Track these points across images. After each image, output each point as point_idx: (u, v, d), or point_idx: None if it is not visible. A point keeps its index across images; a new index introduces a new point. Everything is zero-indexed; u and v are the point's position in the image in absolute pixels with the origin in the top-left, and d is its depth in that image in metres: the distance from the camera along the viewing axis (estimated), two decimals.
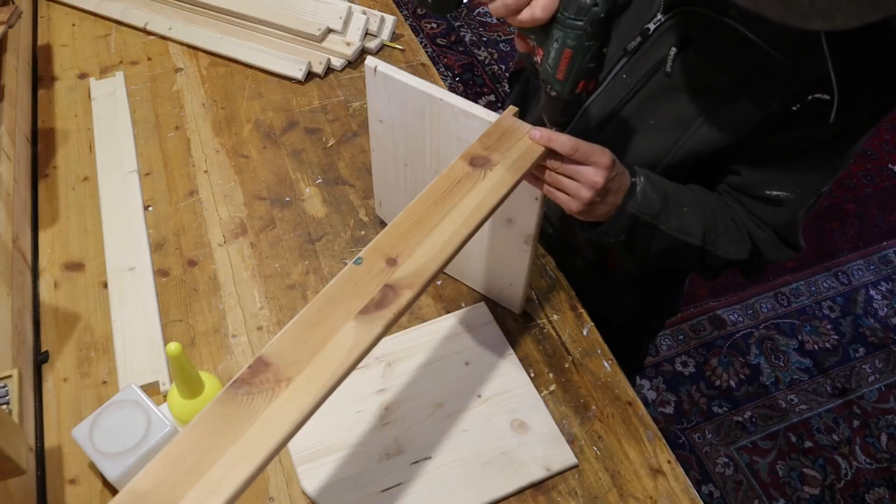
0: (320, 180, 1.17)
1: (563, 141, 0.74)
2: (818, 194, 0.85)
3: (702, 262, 0.89)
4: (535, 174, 0.79)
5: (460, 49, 2.92)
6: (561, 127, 0.78)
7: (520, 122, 0.79)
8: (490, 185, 0.72)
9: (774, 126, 0.79)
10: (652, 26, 0.83)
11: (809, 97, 0.76)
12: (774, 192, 0.84)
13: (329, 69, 1.35)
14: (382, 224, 1.10)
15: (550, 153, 0.75)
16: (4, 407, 0.81)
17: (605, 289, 1.09)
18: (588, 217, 0.81)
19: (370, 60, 0.87)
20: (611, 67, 0.88)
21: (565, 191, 0.77)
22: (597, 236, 0.84)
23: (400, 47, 1.40)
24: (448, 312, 1.00)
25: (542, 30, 0.70)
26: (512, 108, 0.80)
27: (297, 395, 0.56)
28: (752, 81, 0.78)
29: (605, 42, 0.69)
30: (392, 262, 0.65)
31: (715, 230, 0.86)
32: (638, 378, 1.94)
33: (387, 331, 0.61)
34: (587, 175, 0.75)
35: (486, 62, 2.87)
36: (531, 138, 0.76)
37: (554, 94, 0.73)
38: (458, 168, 0.74)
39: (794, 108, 0.77)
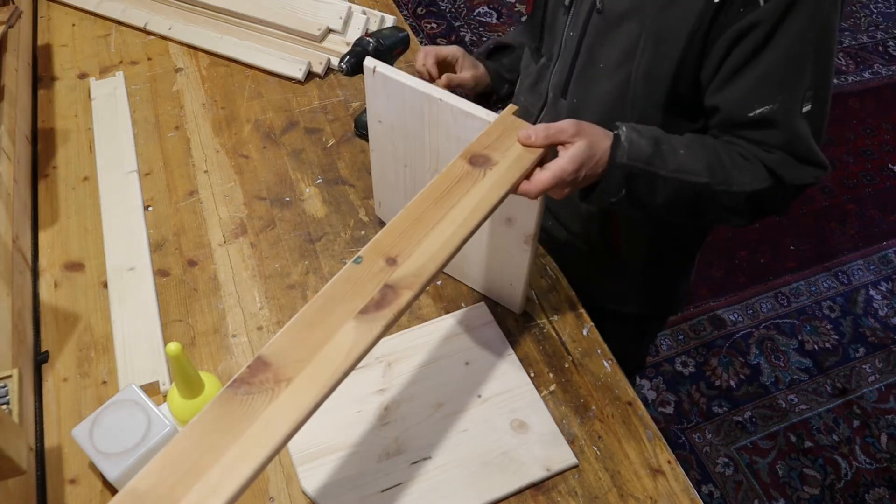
0: (320, 180, 1.17)
1: (538, 135, 0.76)
2: (805, 98, 0.81)
3: (721, 206, 0.85)
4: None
5: None
6: (536, 105, 0.88)
7: (520, 120, 0.78)
8: (490, 184, 0.72)
9: (708, 25, 0.79)
10: None
11: None
12: (757, 111, 0.82)
13: (329, 69, 1.35)
14: (382, 224, 1.10)
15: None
16: (4, 407, 0.81)
17: (612, 277, 1.09)
18: (580, 186, 0.81)
19: (369, 61, 0.87)
20: (562, 30, 0.92)
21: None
22: (596, 200, 0.83)
23: None
24: (448, 312, 1.00)
25: None
26: (511, 107, 0.81)
27: (297, 395, 0.56)
28: None
29: None
30: (392, 261, 0.65)
31: (721, 165, 0.83)
32: (638, 378, 1.94)
33: (386, 331, 0.61)
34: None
35: None
36: (519, 140, 0.77)
37: None
38: (458, 167, 0.73)
39: (717, 1, 0.77)
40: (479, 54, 1.09)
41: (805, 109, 0.81)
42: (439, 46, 1.00)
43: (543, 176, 0.75)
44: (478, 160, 0.74)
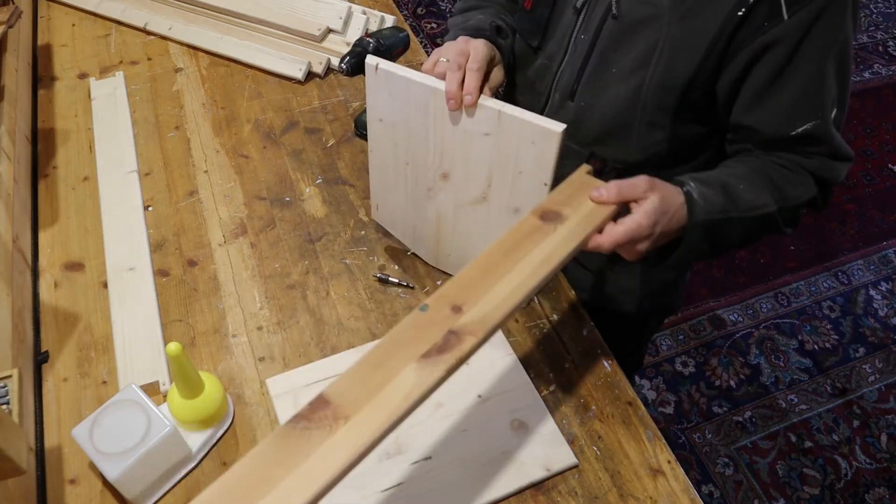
0: (320, 180, 1.17)
1: (610, 192, 0.75)
2: (833, 104, 0.82)
3: (782, 223, 0.86)
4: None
5: None
6: (537, 105, 0.83)
7: (592, 178, 0.79)
8: (561, 238, 0.73)
9: (729, 37, 0.79)
10: None
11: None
12: (801, 129, 0.82)
13: (329, 69, 1.35)
14: (380, 228, 1.09)
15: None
16: (4, 407, 0.81)
17: (609, 277, 1.09)
18: (657, 245, 0.79)
19: (371, 58, 0.86)
20: (570, 32, 0.90)
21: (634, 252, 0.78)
22: (676, 260, 0.82)
23: None
24: None
25: None
26: (585, 167, 0.81)
27: (354, 433, 0.56)
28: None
29: None
30: (457, 309, 0.66)
31: (777, 186, 0.84)
32: (638, 378, 1.94)
33: (448, 375, 0.61)
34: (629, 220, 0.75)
35: None
36: (592, 198, 0.76)
37: None
38: (529, 222, 0.74)
39: (740, 14, 0.77)
40: (486, 34, 0.95)
41: (833, 115, 0.83)
42: (478, 52, 0.85)
43: (617, 230, 0.74)
44: (549, 216, 0.75)
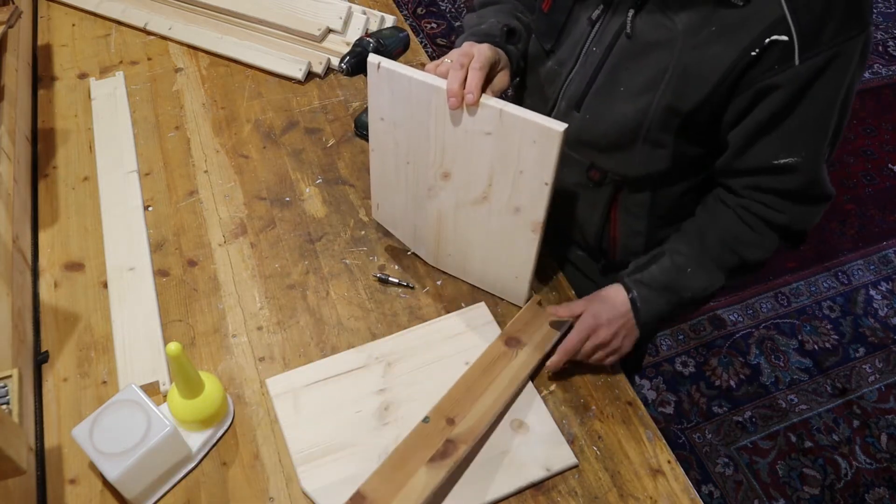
0: (320, 180, 1.17)
1: (560, 313, 0.94)
2: (832, 145, 0.84)
3: (745, 276, 0.95)
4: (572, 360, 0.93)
5: None
6: (542, 112, 0.84)
7: (543, 309, 0.99)
8: (520, 363, 0.92)
9: (740, 73, 0.79)
10: None
11: (767, 40, 0.76)
12: (783, 160, 0.84)
13: (329, 69, 1.35)
14: (381, 228, 1.09)
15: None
16: (4, 407, 0.81)
17: (606, 281, 1.09)
18: (629, 341, 0.93)
19: (373, 57, 0.86)
20: (584, 42, 0.90)
21: (603, 359, 0.93)
22: (649, 335, 0.95)
23: None
24: (448, 312, 1.00)
25: None
26: (536, 297, 1.00)
27: None
28: (708, 30, 0.79)
29: None
30: (451, 421, 0.85)
31: (733, 251, 0.91)
32: (638, 378, 1.94)
33: (449, 474, 0.81)
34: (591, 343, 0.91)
35: None
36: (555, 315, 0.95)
37: None
38: (496, 346, 0.94)
39: (753, 54, 0.77)
40: (495, 39, 0.94)
41: (824, 153, 0.85)
42: (482, 53, 0.85)
43: (556, 357, 0.91)
44: (511, 342, 0.94)
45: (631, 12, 0.83)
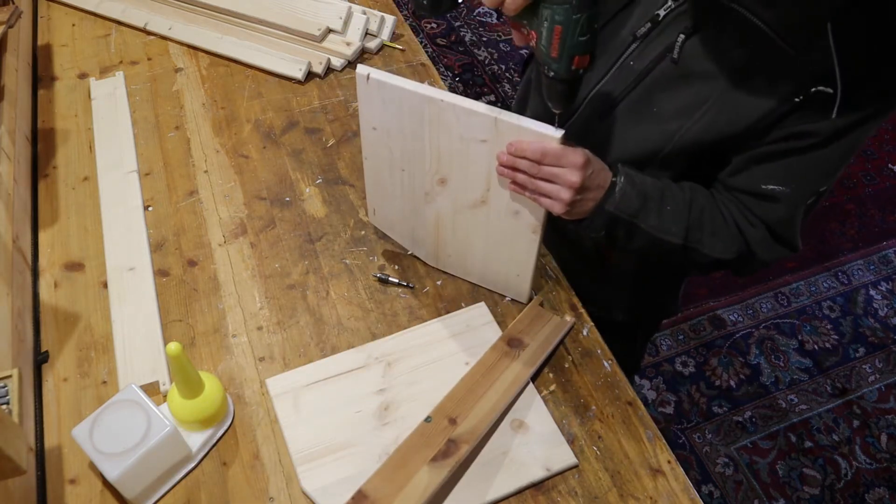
0: (320, 180, 1.17)
1: (533, 147, 0.78)
2: (817, 193, 0.85)
3: (687, 258, 0.90)
4: (518, 183, 0.82)
5: (460, 49, 2.92)
6: (564, 115, 0.81)
7: (544, 310, 0.98)
8: (523, 364, 0.91)
9: (777, 118, 0.79)
10: (662, 12, 0.84)
11: (813, 89, 0.76)
12: (770, 187, 0.84)
13: (329, 69, 1.35)
14: (378, 232, 1.09)
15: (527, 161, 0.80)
16: (4, 407, 0.81)
17: (603, 283, 1.09)
18: (573, 216, 0.84)
19: (361, 68, 0.86)
20: (620, 54, 0.88)
21: (546, 194, 0.81)
22: (579, 229, 0.87)
23: (400, 47, 1.40)
24: (448, 312, 1.00)
25: (533, 13, 0.71)
26: (538, 298, 0.99)
27: None
28: (758, 71, 0.78)
29: (594, 14, 0.70)
30: (453, 421, 0.84)
31: (700, 228, 0.87)
32: (638, 378, 1.94)
33: (450, 474, 0.80)
34: (563, 176, 0.78)
35: (486, 62, 2.87)
36: (499, 161, 0.82)
37: (552, 74, 0.74)
38: (499, 347, 0.93)
39: (797, 100, 0.77)
40: None
41: (810, 202, 0.86)
42: None
43: (520, 145, 0.79)
44: (514, 342, 0.93)
45: (681, 37, 0.82)
